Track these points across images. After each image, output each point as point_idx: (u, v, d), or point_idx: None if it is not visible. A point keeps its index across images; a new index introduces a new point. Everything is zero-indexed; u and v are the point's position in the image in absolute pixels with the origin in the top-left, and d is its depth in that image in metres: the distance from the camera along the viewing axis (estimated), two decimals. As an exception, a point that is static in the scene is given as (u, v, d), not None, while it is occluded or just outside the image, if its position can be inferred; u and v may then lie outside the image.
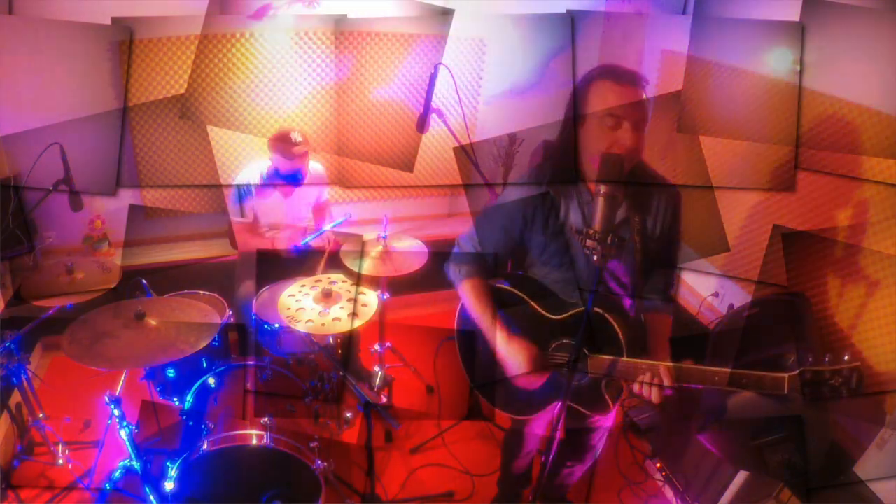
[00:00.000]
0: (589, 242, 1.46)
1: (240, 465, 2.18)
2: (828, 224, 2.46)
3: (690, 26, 2.64)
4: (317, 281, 2.55)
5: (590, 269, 1.70)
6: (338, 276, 2.62)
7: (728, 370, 1.50)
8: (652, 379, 1.57)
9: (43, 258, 3.07)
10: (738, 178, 2.84)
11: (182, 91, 3.06)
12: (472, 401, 3.00)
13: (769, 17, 2.45)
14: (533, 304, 1.83)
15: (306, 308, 2.38)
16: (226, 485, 2.19)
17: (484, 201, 2.69)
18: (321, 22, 3.15)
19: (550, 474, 1.80)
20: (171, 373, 2.41)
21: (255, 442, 2.14)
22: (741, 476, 2.36)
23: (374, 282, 2.74)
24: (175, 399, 2.44)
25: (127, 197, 3.23)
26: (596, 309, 1.68)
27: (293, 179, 2.85)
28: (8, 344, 2.36)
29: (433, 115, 2.57)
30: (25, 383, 2.58)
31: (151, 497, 2.14)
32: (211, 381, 2.35)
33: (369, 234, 2.84)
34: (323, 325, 2.31)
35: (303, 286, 2.52)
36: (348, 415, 2.39)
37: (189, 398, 2.31)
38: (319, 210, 3.19)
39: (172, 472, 2.08)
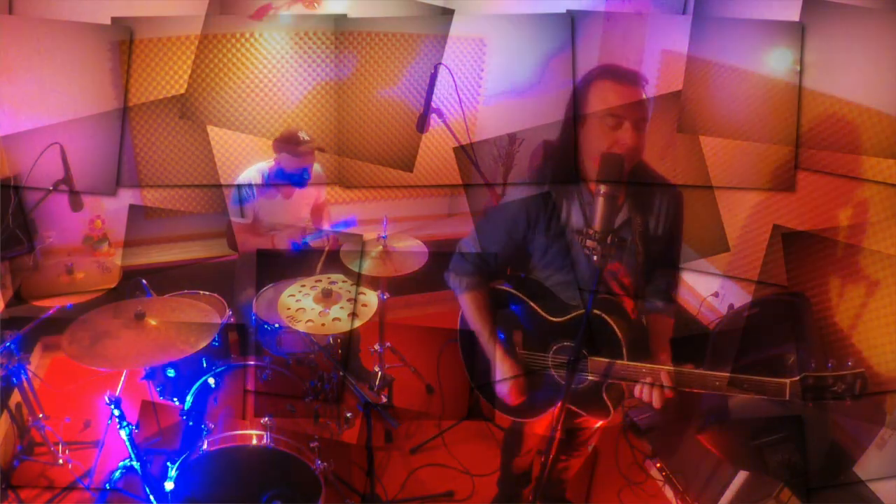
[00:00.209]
0: (589, 242, 1.45)
1: (240, 465, 2.17)
2: (828, 224, 2.46)
3: (690, 26, 2.63)
4: (317, 281, 2.55)
5: (590, 270, 1.70)
6: (338, 276, 2.62)
7: (728, 375, 1.50)
8: (652, 383, 1.57)
9: (43, 258, 3.07)
10: (738, 178, 2.83)
11: (182, 91, 3.06)
12: (472, 401, 3.00)
13: (769, 17, 2.45)
14: (534, 306, 1.83)
15: (306, 308, 2.38)
16: (226, 485, 2.19)
17: (484, 201, 2.69)
18: (321, 22, 3.15)
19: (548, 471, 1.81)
20: (171, 373, 2.41)
21: (255, 442, 2.14)
22: (741, 476, 2.36)
23: (374, 282, 2.74)
24: (175, 399, 2.44)
25: (127, 197, 3.23)
26: (596, 311, 1.67)
27: (299, 179, 2.85)
28: (8, 344, 2.36)
29: (433, 115, 2.56)
30: (25, 383, 2.58)
31: (151, 497, 2.14)
32: (211, 381, 2.35)
33: (369, 234, 2.84)
34: (323, 325, 2.31)
35: (303, 286, 2.52)
36: (348, 415, 2.39)
37: (189, 398, 2.31)
38: (318, 210, 3.19)
39: (172, 472, 2.08)
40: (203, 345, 1.99)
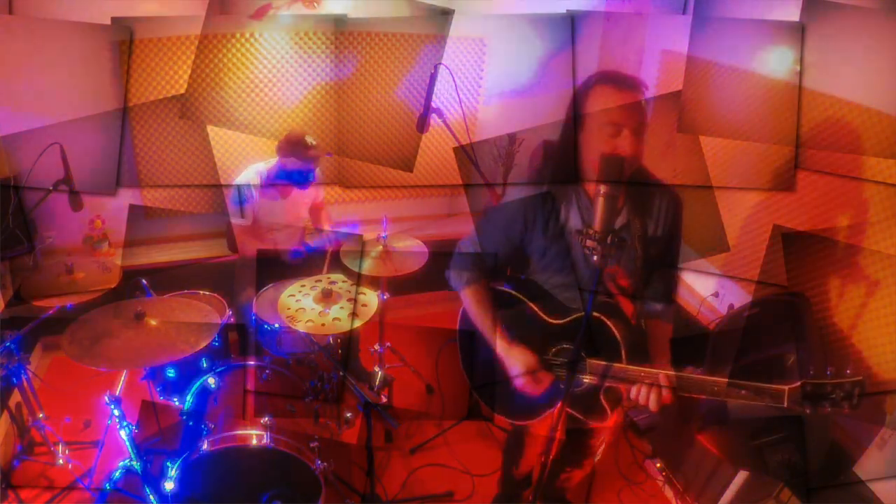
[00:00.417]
0: (589, 243, 1.45)
1: (240, 465, 2.18)
2: (828, 224, 2.46)
3: (690, 26, 2.63)
4: (317, 281, 2.55)
5: (590, 271, 1.70)
6: (338, 276, 2.62)
7: (727, 380, 1.49)
8: (650, 386, 1.56)
9: (43, 258, 3.07)
10: (738, 178, 2.83)
11: (182, 91, 3.06)
12: (472, 400, 3.00)
13: (769, 17, 2.45)
14: (534, 308, 1.82)
15: (306, 308, 2.38)
16: (226, 485, 2.19)
17: (484, 201, 2.69)
18: (321, 22, 3.15)
19: (549, 477, 1.80)
20: (171, 373, 2.41)
21: (255, 442, 2.14)
22: (741, 476, 2.36)
23: (374, 282, 2.74)
24: (175, 399, 2.44)
25: (127, 197, 3.23)
26: (596, 314, 1.67)
27: (303, 179, 2.84)
28: (8, 344, 2.36)
29: (433, 115, 2.56)
30: (25, 383, 2.58)
31: (151, 497, 2.14)
32: (211, 381, 2.35)
33: (369, 234, 2.84)
34: (323, 325, 2.31)
35: (303, 286, 2.52)
36: (348, 415, 2.39)
37: (189, 398, 2.31)
38: (316, 210, 3.19)
39: (172, 472, 2.08)
40: (203, 345, 1.99)
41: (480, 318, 1.86)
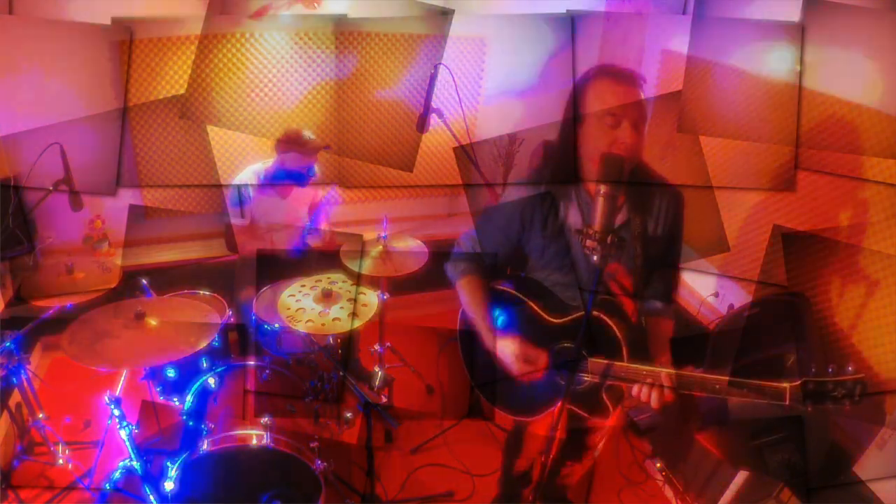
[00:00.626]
0: (589, 242, 1.45)
1: (240, 465, 2.18)
2: (828, 224, 2.46)
3: (690, 26, 2.63)
4: (317, 281, 2.55)
5: (590, 270, 1.70)
6: (338, 276, 2.62)
7: (728, 378, 1.49)
8: (652, 385, 1.56)
9: (43, 258, 3.07)
10: (738, 178, 2.83)
11: (182, 91, 3.06)
12: (472, 400, 3.00)
13: (769, 17, 2.45)
14: (534, 306, 1.82)
15: (306, 308, 2.38)
16: (226, 485, 2.18)
17: (484, 201, 2.69)
18: (321, 22, 3.15)
19: (550, 474, 1.80)
20: (171, 373, 2.41)
21: (255, 442, 2.14)
22: (741, 476, 2.36)
23: (374, 282, 2.74)
24: (175, 399, 2.44)
25: (127, 197, 3.22)
26: (596, 313, 1.67)
27: (302, 178, 2.84)
28: (8, 344, 2.36)
29: (433, 115, 2.57)
30: (25, 383, 2.57)
31: (151, 497, 2.14)
32: (211, 381, 2.35)
33: (369, 234, 2.84)
34: (323, 325, 2.31)
35: (303, 286, 2.52)
36: (348, 415, 2.39)
37: (189, 398, 2.31)
38: (314, 209, 3.19)
39: (172, 472, 2.08)
40: (203, 345, 1.99)
41: (473, 309, 1.86)
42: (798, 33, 2.18)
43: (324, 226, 3.07)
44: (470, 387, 2.13)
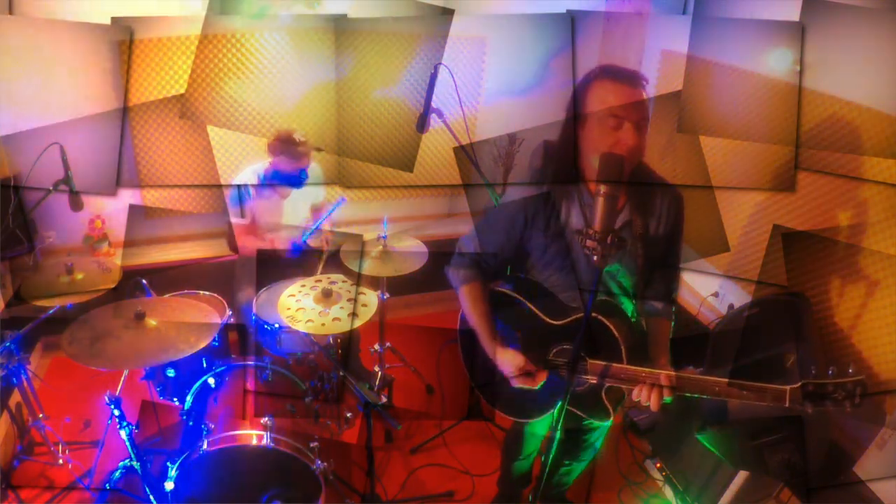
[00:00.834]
0: (589, 242, 1.45)
1: (240, 465, 2.17)
2: (828, 224, 2.46)
3: (690, 26, 2.63)
4: (317, 281, 2.55)
5: (590, 271, 1.70)
6: (338, 276, 2.62)
7: (727, 380, 1.50)
8: (651, 386, 1.56)
9: (43, 258, 3.07)
10: (738, 178, 2.83)
11: (182, 91, 3.06)
12: (472, 400, 3.00)
13: (769, 17, 2.45)
14: (534, 308, 1.82)
15: (306, 308, 2.38)
16: (226, 485, 2.19)
17: (484, 201, 2.69)
18: (321, 22, 3.14)
19: (549, 472, 1.81)
20: (171, 373, 2.41)
21: (255, 442, 2.14)
22: (741, 476, 2.36)
23: (374, 282, 2.74)
24: (175, 399, 2.44)
25: (127, 197, 3.22)
26: (595, 314, 1.67)
27: (296, 180, 2.84)
28: (8, 344, 2.36)
29: (433, 115, 2.56)
30: (25, 383, 2.58)
31: (151, 497, 2.14)
32: (211, 381, 2.35)
33: (369, 234, 2.84)
34: (323, 325, 2.31)
35: (303, 286, 2.52)
36: (348, 415, 2.39)
37: (189, 398, 2.31)
38: (317, 210, 3.19)
39: (172, 472, 2.08)
40: (203, 345, 1.99)
41: (475, 317, 1.87)
42: (798, 33, 2.18)
43: (324, 226, 3.06)
44: (470, 387, 2.13)
